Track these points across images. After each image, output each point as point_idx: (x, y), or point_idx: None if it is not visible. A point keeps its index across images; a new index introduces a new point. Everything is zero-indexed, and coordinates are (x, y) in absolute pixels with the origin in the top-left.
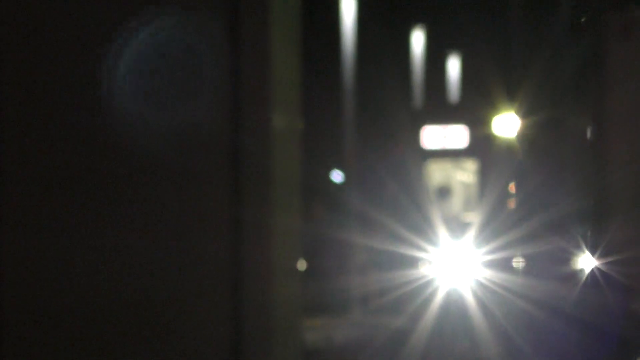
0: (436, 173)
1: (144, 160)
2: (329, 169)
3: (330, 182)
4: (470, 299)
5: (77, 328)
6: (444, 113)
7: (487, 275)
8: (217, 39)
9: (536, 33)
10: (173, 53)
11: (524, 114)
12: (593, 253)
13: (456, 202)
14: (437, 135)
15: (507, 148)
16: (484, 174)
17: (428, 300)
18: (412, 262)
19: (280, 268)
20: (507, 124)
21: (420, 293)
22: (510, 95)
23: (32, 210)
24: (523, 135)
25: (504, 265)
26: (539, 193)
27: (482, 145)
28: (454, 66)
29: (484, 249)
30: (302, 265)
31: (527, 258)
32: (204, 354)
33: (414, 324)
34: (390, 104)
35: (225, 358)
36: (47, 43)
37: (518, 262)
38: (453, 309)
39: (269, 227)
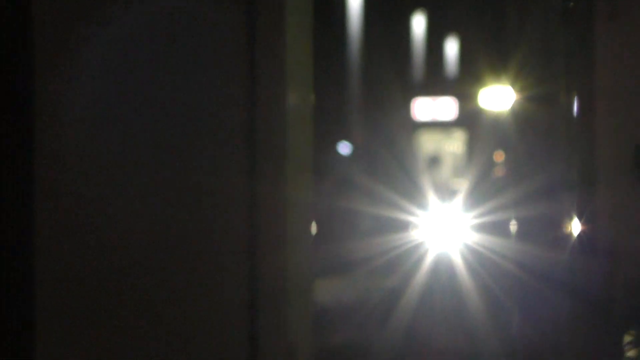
0: (427, 143)
1: (166, 138)
2: (336, 141)
3: (338, 155)
4: (457, 259)
5: (111, 300)
6: (435, 86)
7: (474, 237)
8: (234, 21)
9: (529, 15)
10: (190, 34)
11: (518, 89)
12: (579, 219)
13: (445, 170)
14: (427, 107)
15: (493, 119)
16: (471, 144)
17: (419, 261)
18: (405, 226)
19: (293, 235)
20: (494, 97)
21: (412, 255)
22: (504, 72)
23: (67, 192)
24: (516, 108)
25: (490, 228)
26: (529, 160)
27: (470, 117)
28: (449, 45)
29: (472, 213)
30: (313, 229)
31: (515, 222)
32: (222, 312)
33: (407, 284)
34: (389, 80)
35: (243, 316)
36: (72, 39)
37: (511, 226)
38: (441, 268)
39: (283, 199)
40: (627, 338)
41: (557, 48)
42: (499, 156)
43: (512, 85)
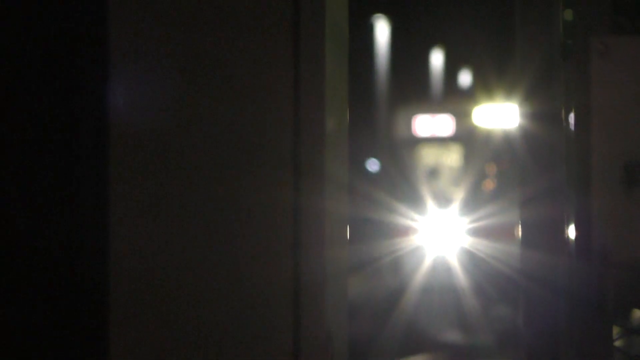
0: (427, 156)
1: (222, 158)
2: (364, 159)
3: (365, 171)
4: (453, 260)
5: (176, 294)
6: (434, 105)
7: (468, 240)
8: (282, 58)
9: (534, 49)
10: (247, 71)
11: (523, 108)
12: (576, 225)
13: (443, 180)
14: (427, 124)
15: (486, 135)
16: (467, 157)
17: (420, 261)
18: (408, 231)
19: (331, 238)
20: (487, 115)
21: (414, 255)
22: (507, 93)
23: (137, 205)
24: (520, 125)
25: (484, 232)
26: (525, 171)
27: (467, 132)
28: (463, 74)
29: (466, 219)
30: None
31: (510, 225)
32: (270, 303)
33: (409, 282)
34: (397, 101)
35: (288, 306)
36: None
37: (507, 229)
38: (440, 268)
39: (322, 208)
40: (616, 330)
41: (557, 75)
42: (491, 168)
43: (516, 104)
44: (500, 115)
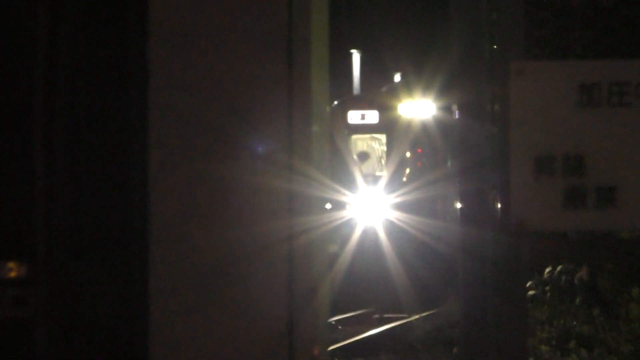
0: (358, 143)
1: (234, 156)
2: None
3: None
4: (379, 229)
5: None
6: (365, 101)
7: (393, 214)
8: (279, 74)
9: (468, 66)
10: (244, 87)
11: (460, 102)
12: (500, 202)
13: (372, 163)
14: (358, 117)
15: (407, 125)
16: (391, 144)
17: (352, 232)
18: (341, 205)
19: (314, 208)
20: (410, 110)
21: (347, 227)
22: (426, 93)
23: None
24: (459, 115)
25: (406, 206)
26: (447, 155)
27: (390, 124)
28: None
29: (391, 195)
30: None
31: (425, 201)
32: (269, 264)
33: (344, 249)
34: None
35: (284, 266)
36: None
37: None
38: (368, 235)
39: (310, 188)
40: (529, 282)
41: (486, 87)
42: (408, 154)
43: (434, 100)
44: (419, 109)
